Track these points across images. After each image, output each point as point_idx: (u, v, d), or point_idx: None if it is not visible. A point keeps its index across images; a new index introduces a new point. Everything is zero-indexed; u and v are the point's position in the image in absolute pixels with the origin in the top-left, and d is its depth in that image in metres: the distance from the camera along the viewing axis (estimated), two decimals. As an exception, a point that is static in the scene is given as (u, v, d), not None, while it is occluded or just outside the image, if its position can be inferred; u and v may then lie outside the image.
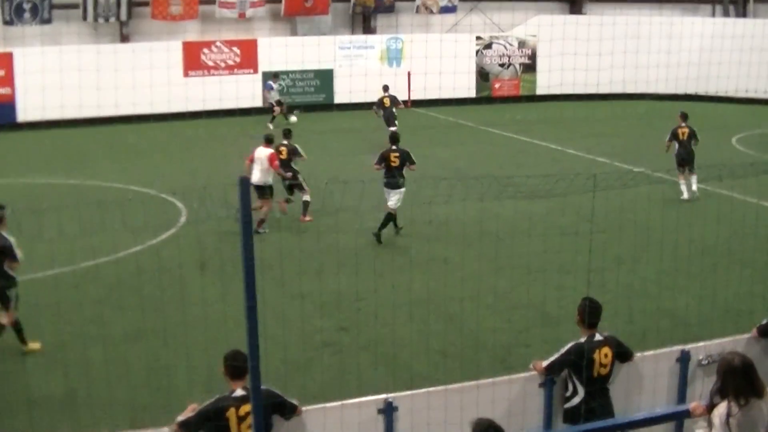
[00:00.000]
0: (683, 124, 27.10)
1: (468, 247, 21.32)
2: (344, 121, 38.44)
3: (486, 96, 45.69)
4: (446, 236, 22.09)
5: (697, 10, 52.67)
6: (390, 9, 46.13)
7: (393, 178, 22.59)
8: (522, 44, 46.79)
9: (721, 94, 46.45)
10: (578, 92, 45.17)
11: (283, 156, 23.96)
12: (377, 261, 20.02)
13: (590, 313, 10.38)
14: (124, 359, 14.95)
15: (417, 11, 46.26)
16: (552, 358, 10.36)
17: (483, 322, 16.63)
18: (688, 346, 11.42)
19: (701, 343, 11.69)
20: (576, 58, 45.84)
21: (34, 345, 15.56)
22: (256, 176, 22.74)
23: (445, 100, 43.06)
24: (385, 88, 35.89)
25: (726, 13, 52.84)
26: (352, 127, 37.04)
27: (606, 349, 10.32)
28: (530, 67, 47.01)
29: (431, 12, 46.38)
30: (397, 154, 22.67)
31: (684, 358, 11.25)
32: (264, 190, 22.96)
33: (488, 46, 46.35)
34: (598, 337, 10.34)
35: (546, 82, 46.38)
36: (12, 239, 15.37)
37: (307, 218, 23.96)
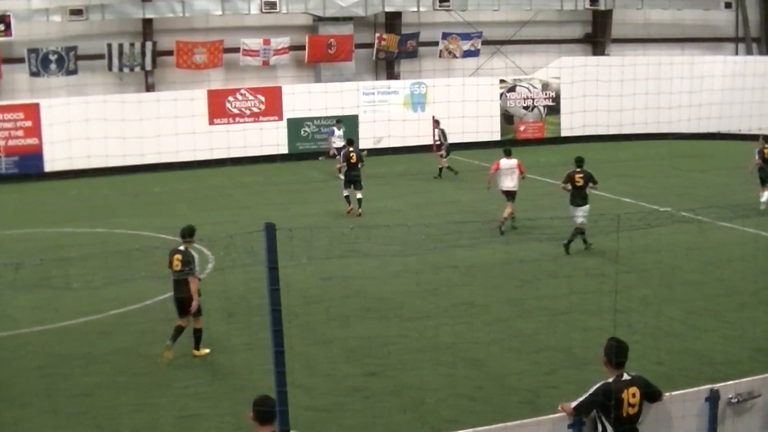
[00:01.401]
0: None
1: (494, 290, 21.36)
2: (372, 167, 38.54)
3: (510, 139, 45.73)
4: (472, 280, 22.12)
5: (719, 48, 52.67)
6: (413, 54, 46.38)
7: (578, 197, 24.70)
8: (545, 86, 46.91)
9: (745, 132, 46.34)
10: (601, 133, 45.27)
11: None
12: (404, 307, 20.05)
13: (617, 353, 10.36)
14: (154, 407, 14.98)
15: (440, 56, 46.51)
16: (580, 399, 10.33)
17: (510, 366, 16.59)
18: (717, 385, 11.37)
19: (730, 382, 11.64)
20: (599, 99, 45.98)
21: None
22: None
23: (470, 143, 43.09)
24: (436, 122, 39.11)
25: (749, 51, 52.83)
26: (378, 173, 37.09)
27: (634, 389, 10.28)
28: (554, 110, 47.09)
29: (454, 56, 46.62)
30: (581, 175, 24.84)
31: (713, 398, 11.18)
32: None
33: (512, 89, 46.50)
34: (625, 377, 10.31)
35: (570, 124, 46.46)
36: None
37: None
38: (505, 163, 27.66)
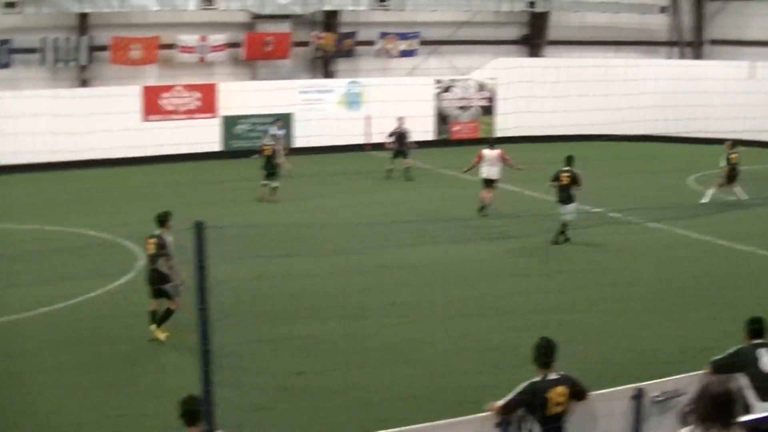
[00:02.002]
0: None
1: (439, 289, 21.42)
2: (304, 166, 38.30)
3: (445, 139, 45.83)
4: (417, 279, 22.17)
5: (654, 52, 53.15)
6: (350, 53, 46.31)
7: (563, 195, 25.70)
8: (481, 87, 47.01)
9: (680, 134, 46.87)
10: (537, 134, 45.49)
11: None
12: (348, 306, 20.09)
13: (544, 353, 10.45)
14: (82, 406, 14.85)
15: (377, 55, 46.50)
16: (507, 398, 10.40)
17: (455, 365, 16.69)
18: (642, 384, 11.49)
19: (657, 381, 11.77)
20: (534, 101, 46.25)
21: None
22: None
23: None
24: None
25: (682, 56, 53.39)
26: (309, 172, 36.97)
27: (561, 389, 10.37)
28: (489, 110, 47.19)
29: (391, 56, 46.62)
30: (567, 174, 25.86)
31: (638, 396, 11.31)
32: None
33: (447, 89, 46.55)
34: (553, 376, 10.40)
35: (505, 125, 46.56)
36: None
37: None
38: (488, 153, 30.41)
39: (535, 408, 10.21)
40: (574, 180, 25.91)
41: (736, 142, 33.17)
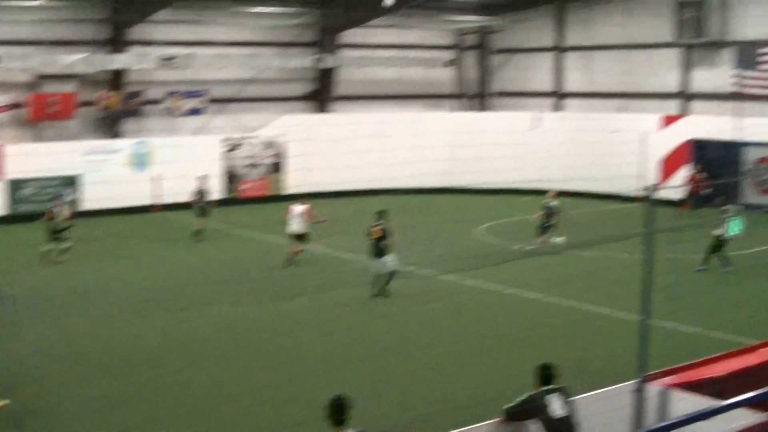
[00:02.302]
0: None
1: (245, 343, 21.35)
2: (92, 229, 37.45)
3: (234, 197, 45.63)
4: (223, 334, 22.03)
5: (440, 105, 54.38)
6: (137, 113, 45.77)
7: (376, 249, 26.25)
8: (270, 144, 47.07)
9: (465, 185, 47.94)
10: (327, 190, 45.77)
11: None
12: (151, 362, 19.85)
13: (336, 411, 10.54)
14: None
15: (164, 114, 46.08)
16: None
17: (256, 418, 16.61)
18: (460, 430, 11.67)
19: (470, 427, 11.98)
20: (324, 156, 46.64)
21: None
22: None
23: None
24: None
25: (467, 108, 54.80)
26: (95, 235, 36.27)
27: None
28: (278, 167, 47.26)
29: (178, 115, 46.27)
30: (380, 228, 26.43)
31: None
32: None
33: (236, 147, 46.45)
34: (349, 432, 10.46)
35: (294, 182, 46.72)
36: None
37: None
38: (296, 208, 31.34)
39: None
40: (386, 233, 26.39)
41: (560, 193, 34.21)
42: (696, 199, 41.32)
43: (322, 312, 24.14)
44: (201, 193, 36.99)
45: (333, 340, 21.45)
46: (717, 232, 29.46)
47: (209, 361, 20.10)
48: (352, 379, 17.36)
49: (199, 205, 36.63)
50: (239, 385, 18.34)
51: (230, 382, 18.60)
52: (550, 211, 33.33)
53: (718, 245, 29.45)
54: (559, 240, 32.61)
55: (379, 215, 27.05)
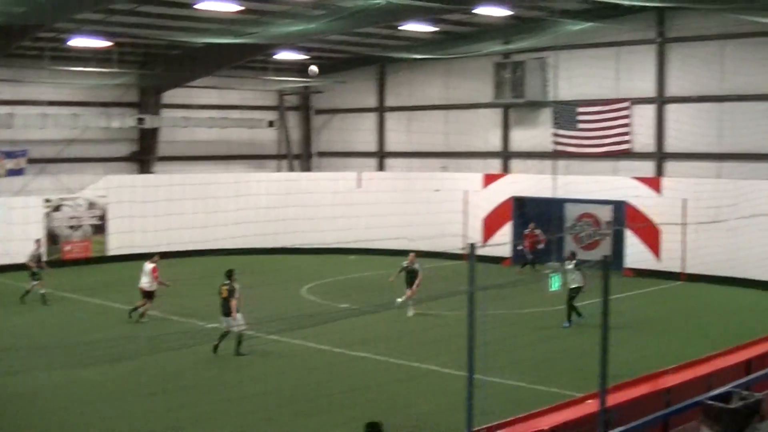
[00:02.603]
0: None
1: (51, 417, 20.67)
2: None
3: (56, 259, 44.54)
4: (27, 408, 21.29)
5: (264, 165, 54.36)
6: (-47, 174, 44.50)
7: (225, 307, 26.59)
8: (92, 205, 46.18)
9: (289, 246, 47.95)
10: (150, 252, 45.04)
11: None
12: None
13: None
14: None
15: (-18, 176, 44.88)
16: None
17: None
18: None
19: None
20: (146, 218, 46.03)
21: None
22: None
23: (15, 265, 41.47)
24: None
25: (291, 168, 54.91)
26: None
27: None
28: (100, 228, 46.35)
29: (-2, 175, 45.15)
30: (226, 287, 26.78)
31: None
32: None
33: (58, 208, 45.45)
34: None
35: (117, 243, 45.90)
36: None
37: None
38: (145, 266, 31.90)
39: None
40: (231, 293, 26.60)
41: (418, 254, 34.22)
42: (534, 255, 42.13)
43: (124, 380, 23.37)
44: (38, 255, 36.00)
45: (156, 402, 20.97)
46: (572, 285, 30.19)
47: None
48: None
49: (34, 268, 35.49)
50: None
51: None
52: (412, 272, 33.08)
53: (572, 297, 30.29)
54: (400, 300, 32.63)
55: (227, 274, 27.22)
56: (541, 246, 41.96)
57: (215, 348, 26.01)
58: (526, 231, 42.64)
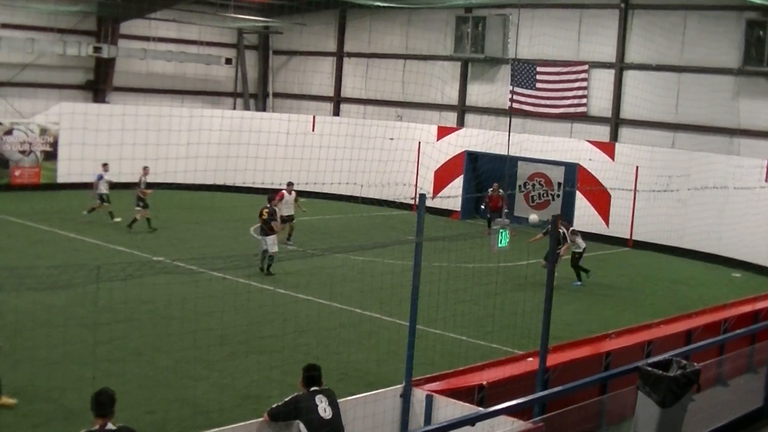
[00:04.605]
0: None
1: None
2: None
3: (5, 183, 44.18)
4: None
5: (219, 102, 54.07)
6: None
7: (264, 227, 30.06)
8: (44, 131, 45.78)
9: (240, 184, 47.77)
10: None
11: None
12: None
13: (102, 402, 10.35)
14: None
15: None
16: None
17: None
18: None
19: (216, 429, 11.87)
20: (98, 147, 45.61)
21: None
22: None
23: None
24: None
25: (246, 107, 54.63)
26: None
27: (115, 440, 10.31)
28: (51, 155, 46.02)
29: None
30: (267, 210, 30.12)
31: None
32: None
33: (9, 132, 44.98)
34: (110, 426, 10.27)
35: (67, 171, 45.52)
36: None
37: None
38: (285, 196, 34.55)
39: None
40: (271, 215, 29.94)
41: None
42: (494, 214, 41.92)
43: (66, 309, 23.08)
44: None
45: (73, 338, 20.72)
46: (575, 248, 31.85)
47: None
48: (100, 379, 16.83)
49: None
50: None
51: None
52: None
53: (577, 259, 31.89)
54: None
55: (269, 199, 30.96)
56: (503, 208, 41.70)
57: (261, 269, 29.29)
58: (490, 191, 42.34)
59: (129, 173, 44.49)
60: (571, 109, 43.89)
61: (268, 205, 30.34)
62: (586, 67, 43.39)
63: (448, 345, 22.06)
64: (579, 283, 31.65)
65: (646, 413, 10.45)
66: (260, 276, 28.08)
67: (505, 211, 41.79)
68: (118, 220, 36.81)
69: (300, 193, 36.40)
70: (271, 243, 29.63)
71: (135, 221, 35.73)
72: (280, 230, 31.04)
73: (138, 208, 36.04)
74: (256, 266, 29.21)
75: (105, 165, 38.45)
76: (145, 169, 37.16)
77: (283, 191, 34.55)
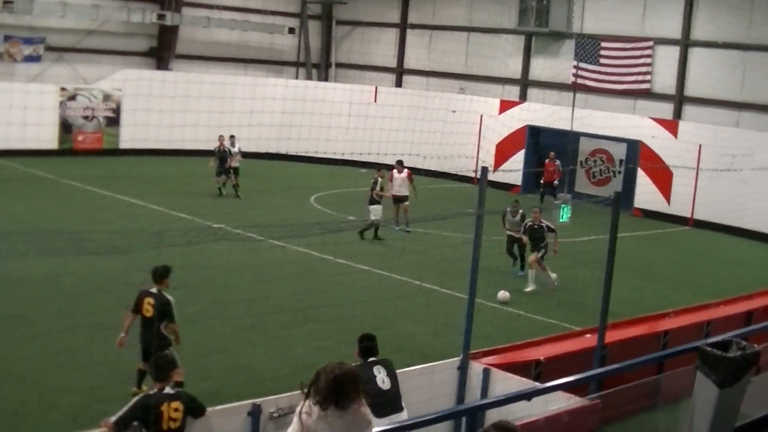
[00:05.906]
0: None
1: (42, 303, 20.69)
2: None
3: (68, 148, 44.55)
4: (21, 293, 21.29)
5: (281, 72, 54.07)
6: (-31, 55, 44.26)
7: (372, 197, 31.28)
8: (107, 97, 46.05)
9: (301, 153, 47.82)
10: (162, 148, 45.21)
11: None
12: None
13: (156, 370, 10.42)
14: None
15: (0, 59, 44.61)
16: (119, 414, 10.23)
17: (55, 381, 16.18)
18: (259, 400, 11.59)
19: (272, 397, 11.90)
20: (161, 114, 45.88)
21: None
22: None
23: (28, 150, 41.58)
24: None
25: (309, 76, 54.60)
26: None
27: (176, 404, 10.33)
28: (114, 121, 46.27)
29: (15, 60, 44.88)
30: (373, 180, 31.93)
31: (255, 412, 11.41)
32: None
33: (72, 97, 45.29)
34: (168, 390, 10.34)
35: (130, 137, 45.83)
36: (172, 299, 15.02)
37: None
38: (395, 175, 32.82)
39: (148, 423, 10.09)
40: (375, 183, 31.48)
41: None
42: (547, 188, 41.81)
43: (115, 275, 22.90)
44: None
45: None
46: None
47: (3, 320, 19.41)
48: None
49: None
50: (33, 347, 17.81)
51: (30, 341, 18.09)
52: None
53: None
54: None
55: (377, 169, 32.27)
56: (556, 181, 41.39)
57: (374, 235, 30.85)
58: (546, 160, 42.07)
59: (190, 140, 44.85)
60: (635, 86, 43.41)
61: (375, 175, 31.83)
62: (650, 43, 42.87)
63: (505, 319, 21.99)
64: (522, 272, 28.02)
65: (704, 394, 10.29)
66: (320, 245, 28.00)
67: (556, 183, 41.53)
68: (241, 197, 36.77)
69: (361, 164, 36.26)
70: (372, 211, 30.84)
71: (237, 186, 37.05)
72: (382, 196, 31.66)
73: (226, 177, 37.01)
74: (316, 234, 29.00)
75: (232, 137, 38.38)
76: (226, 138, 37.98)
77: (393, 171, 32.98)
